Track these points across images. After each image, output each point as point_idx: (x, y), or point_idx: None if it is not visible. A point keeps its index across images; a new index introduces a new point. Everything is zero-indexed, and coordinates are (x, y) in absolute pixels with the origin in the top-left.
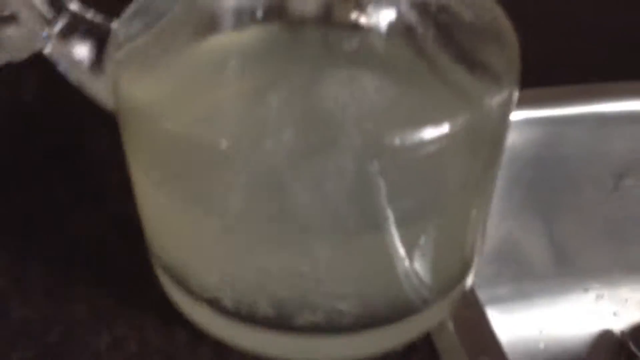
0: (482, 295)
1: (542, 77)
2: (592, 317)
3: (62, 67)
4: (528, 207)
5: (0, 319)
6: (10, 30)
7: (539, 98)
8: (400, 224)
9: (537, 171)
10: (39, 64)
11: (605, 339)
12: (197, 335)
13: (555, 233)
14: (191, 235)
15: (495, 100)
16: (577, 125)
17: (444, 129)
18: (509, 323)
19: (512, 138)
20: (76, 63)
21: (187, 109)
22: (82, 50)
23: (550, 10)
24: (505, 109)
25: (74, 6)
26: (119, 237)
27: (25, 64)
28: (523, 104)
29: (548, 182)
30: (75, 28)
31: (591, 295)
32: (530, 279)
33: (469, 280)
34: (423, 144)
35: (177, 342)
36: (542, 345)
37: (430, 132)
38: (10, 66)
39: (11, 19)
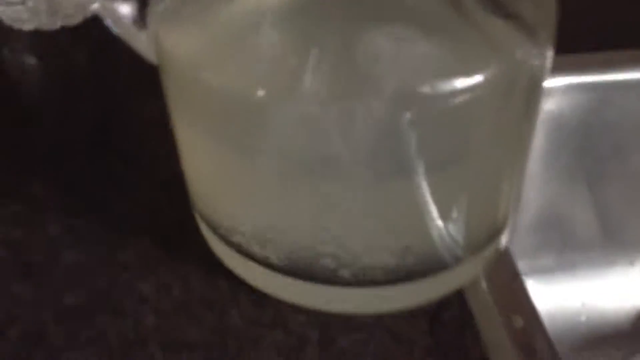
0: (524, 265)
1: (589, 42)
2: (637, 291)
3: (108, 22)
4: (573, 175)
5: (53, 263)
6: None
7: (586, 64)
8: (431, 175)
9: (583, 138)
10: (91, 30)
11: None
12: (238, 283)
13: (601, 203)
14: (230, 185)
15: (529, 53)
16: (623, 91)
17: (477, 78)
18: (551, 294)
19: (558, 104)
20: (121, 17)
21: (225, 59)
22: (126, 5)
23: None
24: (540, 63)
25: None
26: (165, 196)
27: (77, 30)
28: (569, 69)
29: (594, 149)
30: None
31: (637, 269)
32: (574, 249)
33: (503, 240)
34: (455, 92)
35: (218, 290)
36: (583, 318)
37: (462, 82)
38: (62, 31)
39: None
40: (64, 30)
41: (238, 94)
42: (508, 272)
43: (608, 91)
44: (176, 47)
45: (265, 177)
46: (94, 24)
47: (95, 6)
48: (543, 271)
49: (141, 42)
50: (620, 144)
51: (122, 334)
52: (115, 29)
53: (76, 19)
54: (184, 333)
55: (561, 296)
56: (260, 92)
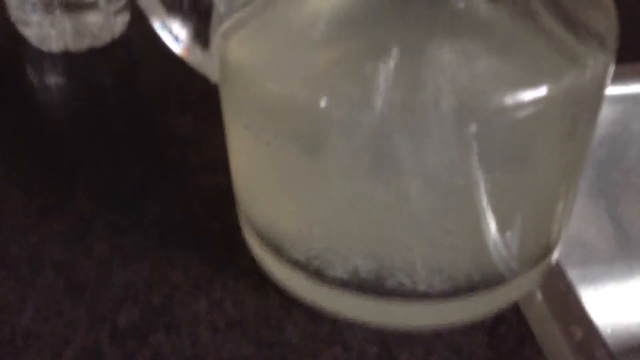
0: None
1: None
2: None
3: (168, 41)
4: (597, 189)
5: (105, 282)
6: (91, 17)
7: (613, 75)
8: (494, 188)
9: (608, 150)
10: (118, 51)
11: None
12: (290, 298)
13: (623, 216)
14: (290, 197)
15: (598, 62)
16: None
17: (548, 89)
18: None
19: None
20: (182, 37)
21: (291, 69)
22: (187, 24)
23: None
24: (606, 73)
25: None
26: (205, 208)
27: (104, 51)
28: None
29: (618, 162)
30: (181, 2)
31: None
32: (597, 262)
33: (557, 253)
34: (524, 105)
35: (271, 305)
36: (609, 330)
37: (533, 93)
38: (90, 52)
39: (92, 5)
40: (91, 51)
41: (303, 104)
42: (562, 285)
43: (634, 103)
44: (242, 61)
45: (326, 188)
46: (121, 45)
47: (156, 25)
48: None
49: (203, 61)
50: None
51: (178, 352)
52: (175, 49)
53: (103, 41)
54: (241, 349)
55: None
56: (323, 103)
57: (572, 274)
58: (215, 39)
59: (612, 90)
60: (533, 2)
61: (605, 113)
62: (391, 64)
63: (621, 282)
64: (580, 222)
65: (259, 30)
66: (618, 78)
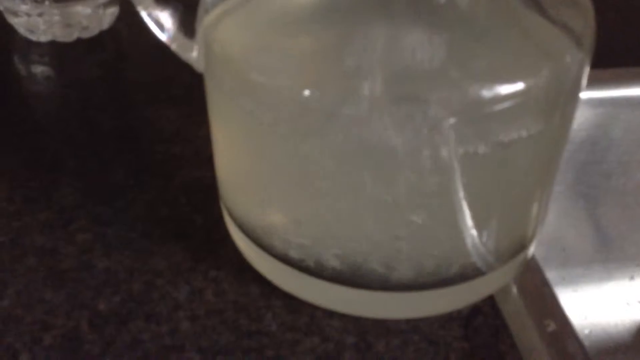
0: None
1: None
2: (637, 305)
3: (155, 30)
4: (577, 191)
5: (86, 269)
6: (80, 9)
7: (593, 80)
8: (470, 182)
9: (589, 153)
10: (106, 42)
11: None
12: (270, 287)
13: (602, 218)
14: (270, 187)
15: (574, 59)
16: (630, 107)
17: (526, 83)
18: None
19: None
20: (168, 26)
21: (275, 60)
22: (173, 14)
23: None
24: (582, 70)
25: None
26: (189, 201)
27: (92, 42)
28: None
29: (598, 165)
30: None
31: (637, 283)
32: (576, 264)
33: (532, 248)
34: (502, 98)
35: (251, 294)
36: (586, 332)
37: (509, 87)
38: (78, 43)
39: None
40: (79, 41)
41: (286, 94)
42: (537, 279)
43: (615, 107)
44: (227, 51)
45: (309, 179)
46: (109, 37)
47: (143, 13)
48: None
49: (189, 51)
50: (625, 160)
51: (158, 340)
52: (162, 38)
53: (92, 32)
54: (220, 338)
55: (564, 310)
56: (307, 92)
57: (551, 275)
58: (201, 29)
59: (593, 94)
60: (511, 1)
61: (586, 116)
62: (372, 56)
63: (599, 284)
64: (559, 224)
65: (244, 21)
66: (598, 82)
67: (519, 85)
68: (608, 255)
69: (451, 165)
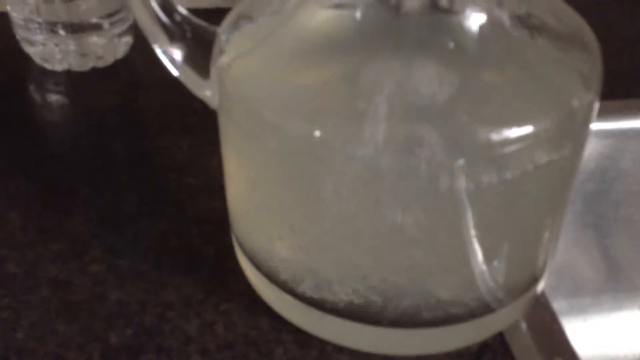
0: None
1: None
2: None
3: (169, 67)
4: (586, 221)
5: (99, 301)
6: (95, 39)
7: (601, 111)
8: (481, 221)
9: (597, 184)
10: (121, 71)
11: None
12: (281, 321)
13: (611, 248)
14: (280, 222)
15: (582, 102)
16: (638, 138)
17: (534, 126)
18: None
19: None
20: (184, 63)
21: (288, 102)
22: (189, 51)
23: (614, 25)
24: (590, 112)
25: (182, 11)
26: (201, 231)
27: (107, 71)
28: None
29: (607, 195)
30: (185, 31)
31: None
32: (585, 294)
33: (542, 284)
34: (511, 141)
35: (261, 327)
36: None
37: (518, 130)
38: (93, 72)
39: (96, 27)
40: (94, 70)
41: (297, 134)
42: (546, 315)
43: (623, 138)
44: (241, 91)
45: (318, 216)
46: (124, 66)
47: (159, 51)
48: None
49: (204, 88)
50: (634, 190)
51: None
52: (178, 74)
53: (107, 61)
54: None
55: (574, 340)
56: (318, 133)
57: (560, 304)
58: (215, 68)
59: (601, 125)
60: (520, 42)
61: (595, 147)
62: (382, 96)
63: (609, 313)
64: (569, 253)
65: (258, 61)
66: (607, 114)
67: (528, 129)
68: (617, 284)
69: (460, 202)
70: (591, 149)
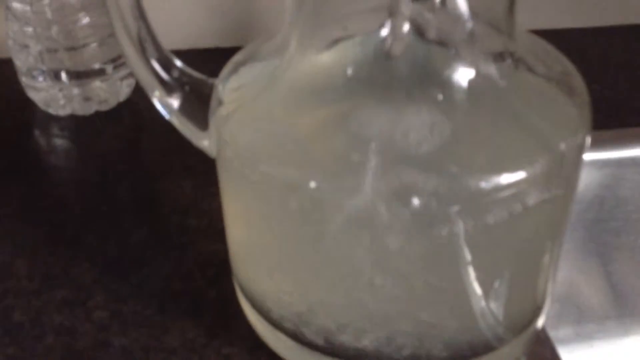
0: None
1: (602, 120)
2: None
3: (170, 118)
4: (588, 249)
5: (103, 348)
6: (98, 83)
7: (599, 141)
8: (477, 265)
9: (597, 213)
10: (124, 114)
11: None
12: None
13: (614, 275)
14: (278, 268)
15: (571, 146)
16: (636, 167)
17: (523, 174)
18: None
19: None
20: (183, 115)
21: (282, 153)
22: (188, 105)
23: (610, 54)
24: (579, 154)
25: (179, 64)
26: (203, 274)
27: (111, 114)
28: None
29: (607, 223)
30: (183, 84)
31: None
32: (591, 321)
33: (541, 320)
34: (502, 188)
35: None
36: None
37: (509, 177)
38: (96, 116)
39: (100, 72)
40: (98, 114)
41: (292, 185)
42: (547, 352)
43: (620, 167)
44: (238, 143)
45: (315, 264)
46: (127, 107)
47: (157, 103)
48: (562, 342)
49: (202, 138)
50: (634, 217)
51: None
52: (177, 125)
53: (110, 104)
54: None
55: None
56: (312, 184)
57: (566, 332)
58: (214, 119)
59: (599, 155)
60: (508, 90)
61: (593, 177)
62: (375, 149)
63: (615, 339)
64: (573, 281)
65: (254, 113)
66: (604, 143)
67: (519, 175)
68: (622, 310)
69: (456, 248)
70: (590, 178)
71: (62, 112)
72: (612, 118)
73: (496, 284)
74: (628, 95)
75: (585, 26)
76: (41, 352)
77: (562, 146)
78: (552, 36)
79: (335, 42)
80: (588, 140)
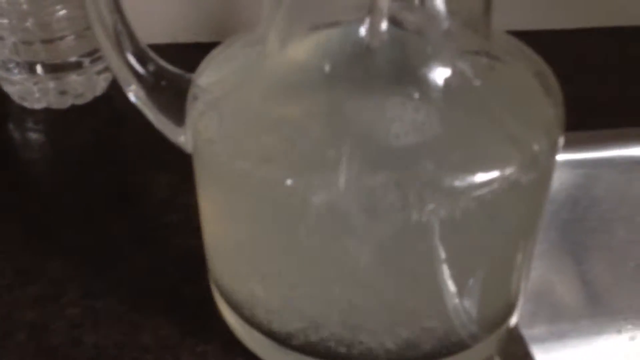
0: None
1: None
2: (625, 359)
3: (146, 113)
4: (562, 249)
5: (76, 345)
6: (74, 77)
7: (573, 142)
8: (452, 261)
9: (570, 213)
10: (100, 108)
11: None
12: None
13: (588, 274)
14: (253, 264)
15: (543, 147)
16: (609, 167)
17: (496, 173)
18: None
19: None
20: (159, 110)
21: (257, 149)
22: (164, 99)
23: (586, 56)
24: (552, 154)
25: (156, 58)
26: (179, 271)
27: (86, 108)
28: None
29: (581, 223)
30: (160, 78)
31: (624, 337)
32: (565, 319)
33: (514, 318)
34: (475, 186)
35: None
36: None
37: (482, 176)
38: (72, 110)
39: (76, 66)
40: (73, 108)
41: (269, 181)
42: (519, 349)
43: (595, 168)
44: (214, 139)
45: (290, 261)
46: (103, 101)
47: (134, 98)
48: (536, 341)
49: (178, 134)
50: (606, 217)
51: None
52: (153, 121)
53: (86, 98)
54: None
55: None
56: (289, 181)
57: (540, 330)
58: (190, 115)
59: (573, 155)
60: (484, 91)
61: (567, 177)
62: (350, 146)
63: (588, 338)
64: (547, 280)
65: (230, 109)
66: (578, 144)
67: (493, 174)
68: (596, 309)
69: (430, 245)
70: (564, 178)
71: (38, 105)
72: (586, 119)
73: (469, 282)
74: (601, 96)
75: (560, 28)
76: (12, 349)
77: (536, 146)
78: (527, 37)
79: (313, 37)
80: (562, 140)
